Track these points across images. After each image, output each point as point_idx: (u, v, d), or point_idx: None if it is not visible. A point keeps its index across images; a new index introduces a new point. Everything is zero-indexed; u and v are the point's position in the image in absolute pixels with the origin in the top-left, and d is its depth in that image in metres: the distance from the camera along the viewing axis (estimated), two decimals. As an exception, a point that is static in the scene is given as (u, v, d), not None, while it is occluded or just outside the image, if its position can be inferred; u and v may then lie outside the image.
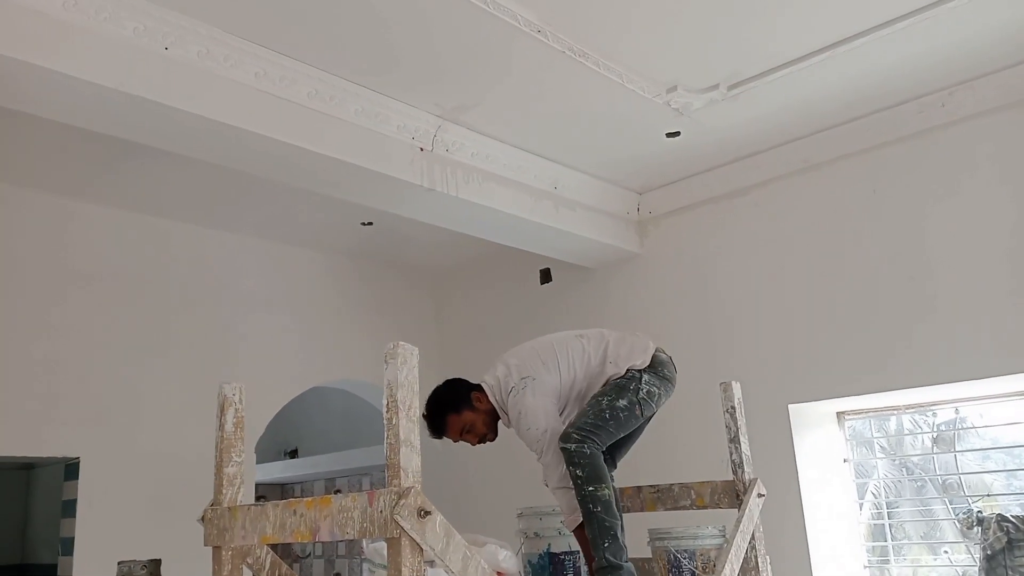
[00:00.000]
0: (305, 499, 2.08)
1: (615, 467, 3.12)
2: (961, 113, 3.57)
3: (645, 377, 2.93)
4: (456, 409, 2.98)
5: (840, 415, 4.27)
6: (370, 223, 4.68)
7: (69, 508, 3.99)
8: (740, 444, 3.18)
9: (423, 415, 2.89)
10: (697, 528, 3.01)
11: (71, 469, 4.03)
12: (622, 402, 2.86)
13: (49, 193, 4.11)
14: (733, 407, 3.22)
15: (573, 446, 2.75)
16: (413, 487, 1.85)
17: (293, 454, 8.31)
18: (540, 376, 2.90)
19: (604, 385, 2.93)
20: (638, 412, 2.88)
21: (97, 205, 4.27)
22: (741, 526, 2.97)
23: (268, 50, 2.98)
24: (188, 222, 4.57)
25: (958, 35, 3.14)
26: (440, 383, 3.04)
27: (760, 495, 3.11)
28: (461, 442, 3.16)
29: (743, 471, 3.15)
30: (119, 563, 3.96)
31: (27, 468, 7.17)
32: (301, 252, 5.09)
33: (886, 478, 4.22)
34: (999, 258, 3.47)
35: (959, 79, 3.50)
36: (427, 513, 1.84)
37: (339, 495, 2.01)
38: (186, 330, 4.46)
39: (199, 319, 4.52)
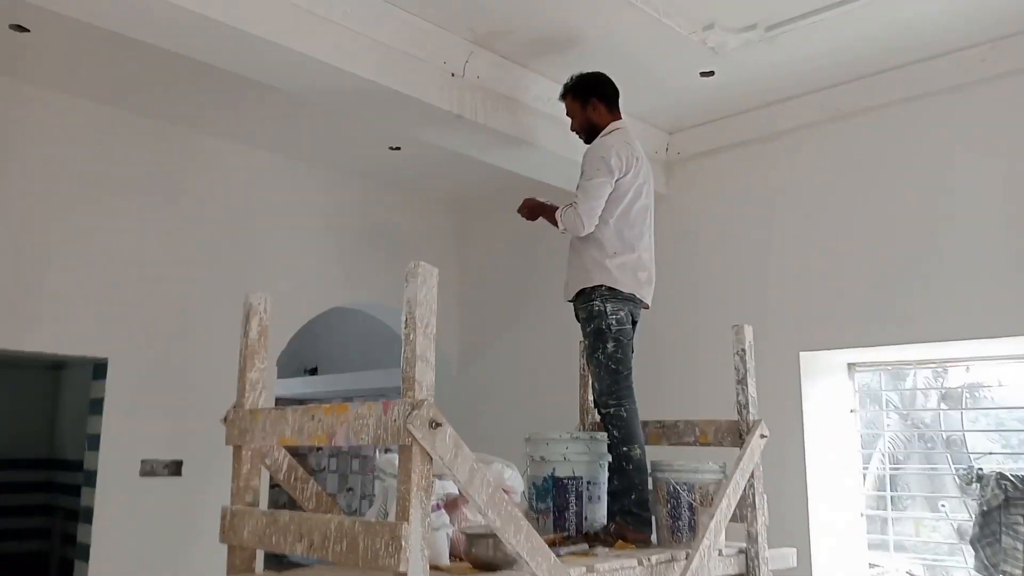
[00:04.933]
0: (323, 405, 2.18)
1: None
2: (1000, 69, 3.51)
3: (607, 307, 3.11)
4: (578, 95, 3.35)
5: (851, 366, 4.31)
6: (398, 148, 4.71)
7: (96, 406, 4.16)
8: (747, 386, 3.24)
9: (572, 77, 3.37)
10: (698, 463, 3.10)
11: (99, 369, 4.18)
12: (610, 346, 3.12)
13: (90, 101, 4.17)
14: (743, 349, 3.28)
15: (612, 411, 3.10)
16: (426, 399, 1.93)
17: (313, 372, 8.51)
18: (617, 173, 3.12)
19: (585, 330, 3.19)
20: (624, 340, 3.13)
21: (136, 115, 4.32)
22: (741, 464, 3.05)
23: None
24: (221, 136, 4.63)
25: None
26: (599, 73, 3.38)
27: (763, 436, 3.18)
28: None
29: (748, 412, 3.21)
30: (143, 461, 4.17)
31: (57, 368, 7.43)
32: (329, 173, 5.14)
33: (893, 432, 4.28)
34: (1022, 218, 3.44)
35: (1001, 33, 3.43)
36: (438, 424, 1.93)
37: (355, 403, 2.10)
38: (213, 241, 4.55)
39: (226, 232, 4.61)
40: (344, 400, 8.62)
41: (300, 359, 8.52)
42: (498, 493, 2.07)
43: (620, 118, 3.35)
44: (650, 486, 3.18)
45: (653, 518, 3.11)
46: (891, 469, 4.22)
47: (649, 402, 3.80)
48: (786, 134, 4.18)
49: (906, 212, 3.76)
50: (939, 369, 4.18)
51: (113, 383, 4.11)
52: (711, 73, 3.79)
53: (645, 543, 2.99)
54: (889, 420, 4.30)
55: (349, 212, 5.22)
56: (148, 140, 4.38)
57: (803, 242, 4.08)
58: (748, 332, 3.31)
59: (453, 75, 3.52)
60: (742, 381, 3.26)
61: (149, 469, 4.16)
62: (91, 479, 4.07)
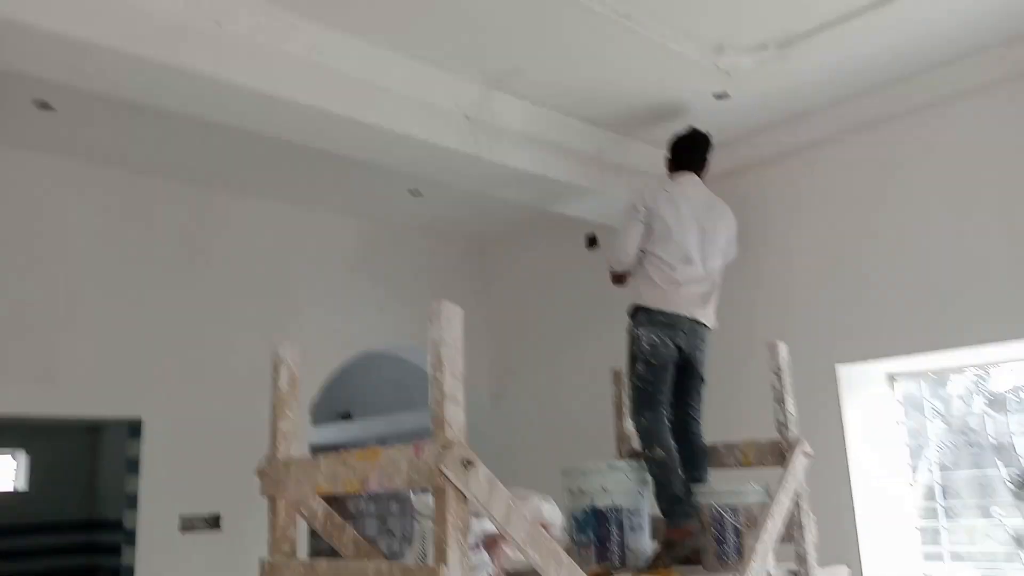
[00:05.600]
0: (355, 451, 2.16)
1: (694, 419, 3.43)
2: (1021, 68, 3.46)
3: (641, 332, 3.30)
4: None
5: (891, 376, 4.22)
6: (418, 192, 4.73)
7: (133, 466, 4.19)
8: (785, 403, 3.19)
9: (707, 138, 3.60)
10: (741, 485, 3.04)
11: (134, 429, 4.21)
12: (639, 367, 3.29)
13: (112, 167, 4.26)
14: (779, 367, 3.23)
15: (636, 424, 3.28)
16: (457, 439, 1.92)
17: (347, 417, 8.51)
18: (643, 215, 3.39)
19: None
20: (654, 363, 3.25)
21: (156, 178, 4.40)
22: (785, 484, 2.99)
23: (315, 22, 3.01)
24: (243, 193, 4.69)
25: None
26: (680, 136, 3.62)
27: (806, 454, 3.12)
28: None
29: (788, 430, 3.16)
30: (182, 516, 4.18)
31: (95, 431, 7.51)
32: (351, 221, 5.17)
33: (940, 441, 4.17)
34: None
35: (1019, 31, 3.38)
36: (471, 464, 1.91)
37: (387, 447, 2.08)
38: (242, 297, 4.60)
39: (254, 287, 4.66)
40: (379, 444, 8.61)
41: (333, 405, 8.51)
42: (536, 529, 2.04)
43: (684, 171, 3.57)
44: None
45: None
46: (941, 478, 4.11)
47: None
48: (806, 148, 4.14)
49: (934, 216, 3.70)
50: (982, 373, 4.08)
51: (149, 442, 4.14)
52: (725, 95, 3.77)
53: (692, 533, 3.01)
54: (935, 428, 4.20)
55: (374, 258, 5.24)
56: (173, 202, 4.46)
57: (831, 254, 4.02)
58: (783, 349, 3.27)
59: (468, 117, 3.54)
60: (780, 399, 3.20)
61: (188, 524, 4.17)
62: (131, 538, 4.08)
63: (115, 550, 4.53)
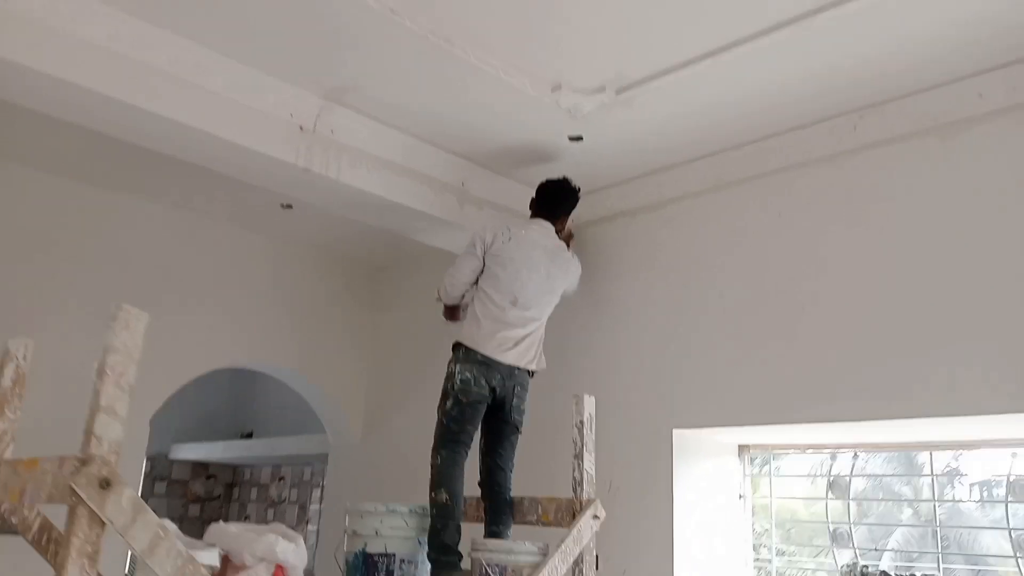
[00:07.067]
0: (25, 459, 2.01)
1: (502, 469, 3.32)
2: (871, 138, 3.37)
3: (457, 368, 3.27)
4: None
5: (742, 448, 4.07)
6: (289, 206, 4.58)
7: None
8: (583, 461, 3.06)
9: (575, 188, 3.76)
10: (513, 544, 2.89)
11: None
12: (448, 403, 3.25)
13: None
14: (582, 421, 3.10)
15: (431, 462, 3.20)
16: (100, 456, 1.76)
17: (249, 436, 8.26)
18: (480, 251, 3.50)
19: None
20: (463, 400, 3.22)
21: (19, 169, 4.25)
22: (564, 545, 2.84)
23: (123, 12, 2.87)
24: (110, 189, 4.51)
25: (864, 52, 2.94)
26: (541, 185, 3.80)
27: (596, 516, 2.97)
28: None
29: (582, 489, 3.01)
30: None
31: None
32: (223, 228, 4.94)
33: (779, 522, 4.01)
34: (903, 286, 3.21)
35: (869, 102, 3.31)
36: (109, 484, 1.75)
37: (45, 458, 1.93)
38: (93, 297, 4.40)
39: (108, 286, 4.45)
40: (274, 467, 8.38)
41: (237, 423, 8.31)
42: (190, 565, 1.87)
43: (539, 217, 3.72)
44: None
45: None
46: (777, 560, 3.93)
47: (531, 482, 3.49)
48: (659, 204, 4.01)
49: (787, 284, 3.54)
50: (828, 455, 3.94)
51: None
52: (580, 138, 3.66)
53: None
54: (775, 508, 4.02)
55: (244, 270, 5.00)
56: (27, 192, 4.27)
57: (683, 314, 3.85)
58: (589, 403, 3.13)
59: (302, 128, 3.42)
60: (578, 456, 3.07)
61: (-10, 529, 3.93)
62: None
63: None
